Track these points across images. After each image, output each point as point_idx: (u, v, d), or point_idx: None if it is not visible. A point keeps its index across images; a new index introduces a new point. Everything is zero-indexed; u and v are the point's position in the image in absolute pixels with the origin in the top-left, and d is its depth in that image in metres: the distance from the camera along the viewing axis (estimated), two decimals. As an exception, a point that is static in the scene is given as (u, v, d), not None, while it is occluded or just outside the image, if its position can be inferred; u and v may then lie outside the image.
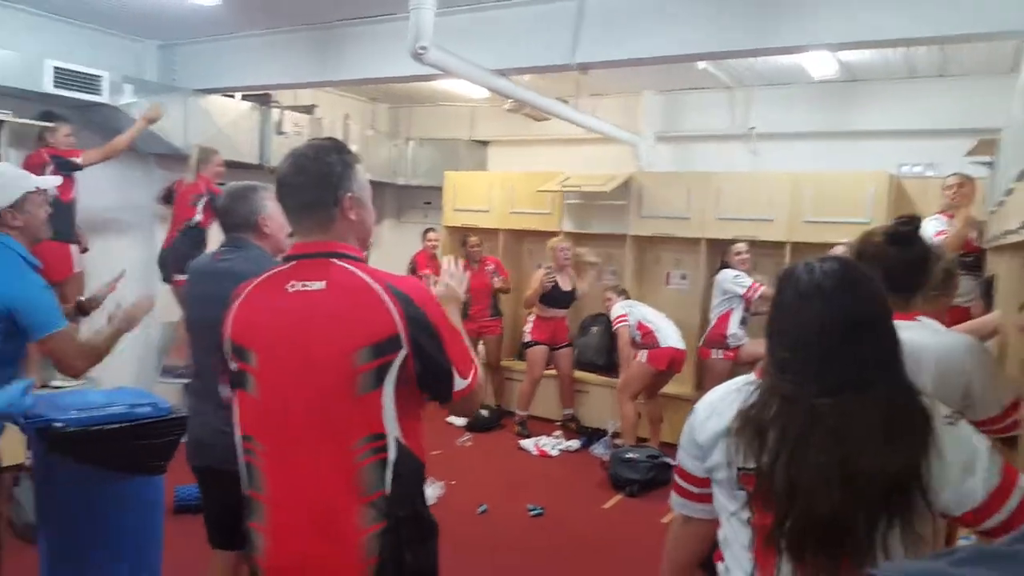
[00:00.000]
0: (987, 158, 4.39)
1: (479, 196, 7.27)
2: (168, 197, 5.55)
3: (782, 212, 5.76)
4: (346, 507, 1.56)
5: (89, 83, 4.89)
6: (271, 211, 2.47)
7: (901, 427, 1.28)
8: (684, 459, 1.54)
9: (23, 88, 4.65)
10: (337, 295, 1.58)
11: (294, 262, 1.66)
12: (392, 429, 1.57)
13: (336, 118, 7.18)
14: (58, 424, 2.51)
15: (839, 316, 1.33)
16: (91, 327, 2.86)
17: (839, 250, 4.90)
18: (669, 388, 5.85)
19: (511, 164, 7.89)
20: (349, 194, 1.65)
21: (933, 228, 4.26)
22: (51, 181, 2.80)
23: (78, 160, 4.78)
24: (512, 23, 4.41)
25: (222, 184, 5.40)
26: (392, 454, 1.57)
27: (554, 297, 6.11)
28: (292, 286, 1.61)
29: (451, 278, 1.92)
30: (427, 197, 8.18)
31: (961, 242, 4.38)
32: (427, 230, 7.17)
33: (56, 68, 4.69)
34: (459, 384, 1.64)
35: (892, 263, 1.81)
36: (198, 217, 5.29)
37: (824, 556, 1.28)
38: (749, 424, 1.35)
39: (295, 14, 4.98)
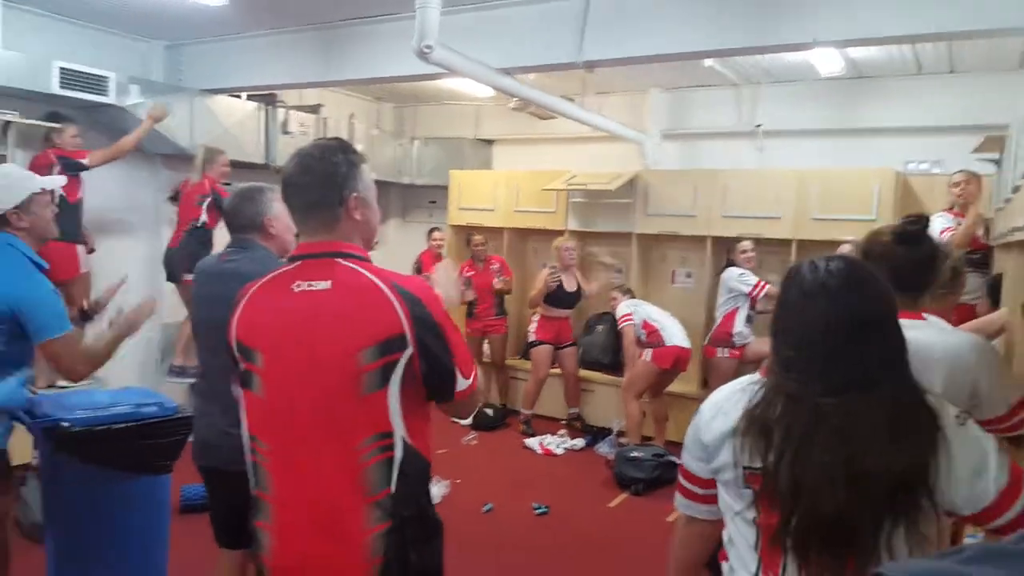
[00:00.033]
0: (994, 155, 4.37)
1: (484, 195, 7.27)
2: (176, 197, 5.57)
3: (788, 209, 5.75)
4: (351, 506, 1.56)
5: (95, 84, 4.90)
6: (277, 212, 2.47)
7: (907, 427, 1.28)
8: (689, 461, 1.54)
9: (30, 89, 4.66)
10: (342, 295, 1.58)
11: (299, 262, 1.66)
12: (398, 428, 1.57)
13: (341, 118, 7.18)
14: (65, 424, 2.52)
15: (844, 315, 1.33)
16: (95, 332, 2.86)
17: (845, 248, 4.90)
18: (674, 387, 5.84)
19: (516, 163, 7.88)
20: (354, 194, 1.65)
21: (939, 225, 4.24)
22: (56, 181, 2.80)
23: (84, 161, 4.79)
24: (517, 21, 4.40)
25: (228, 184, 5.41)
26: (398, 453, 1.57)
27: (559, 297, 6.11)
28: (298, 286, 1.61)
29: (443, 284, 1.87)
30: (432, 196, 8.18)
31: (969, 239, 4.36)
32: (432, 230, 7.16)
33: (62, 69, 4.70)
34: (461, 384, 1.64)
35: (900, 262, 1.80)
36: (203, 217, 5.30)
37: (829, 556, 1.28)
38: (755, 423, 1.35)
39: (301, 14, 4.99)
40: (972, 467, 1.29)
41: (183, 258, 5.06)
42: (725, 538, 1.49)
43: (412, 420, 1.59)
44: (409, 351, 1.55)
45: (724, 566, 1.49)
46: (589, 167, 6.74)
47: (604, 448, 5.74)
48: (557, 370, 6.36)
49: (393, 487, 1.56)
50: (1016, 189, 3.01)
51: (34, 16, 5.05)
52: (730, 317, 5.44)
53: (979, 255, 4.47)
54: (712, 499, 1.50)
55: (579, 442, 5.97)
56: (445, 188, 7.57)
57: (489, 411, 6.38)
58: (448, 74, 4.62)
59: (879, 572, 0.72)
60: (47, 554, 2.81)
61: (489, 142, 8.14)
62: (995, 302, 3.17)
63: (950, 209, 4.67)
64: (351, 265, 1.62)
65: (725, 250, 5.79)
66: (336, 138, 1.78)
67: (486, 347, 6.75)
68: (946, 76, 5.72)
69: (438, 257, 7.06)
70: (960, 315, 3.13)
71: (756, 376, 1.44)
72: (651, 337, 5.52)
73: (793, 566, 1.32)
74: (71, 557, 2.73)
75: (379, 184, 1.78)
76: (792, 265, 1.45)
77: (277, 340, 1.62)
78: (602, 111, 6.42)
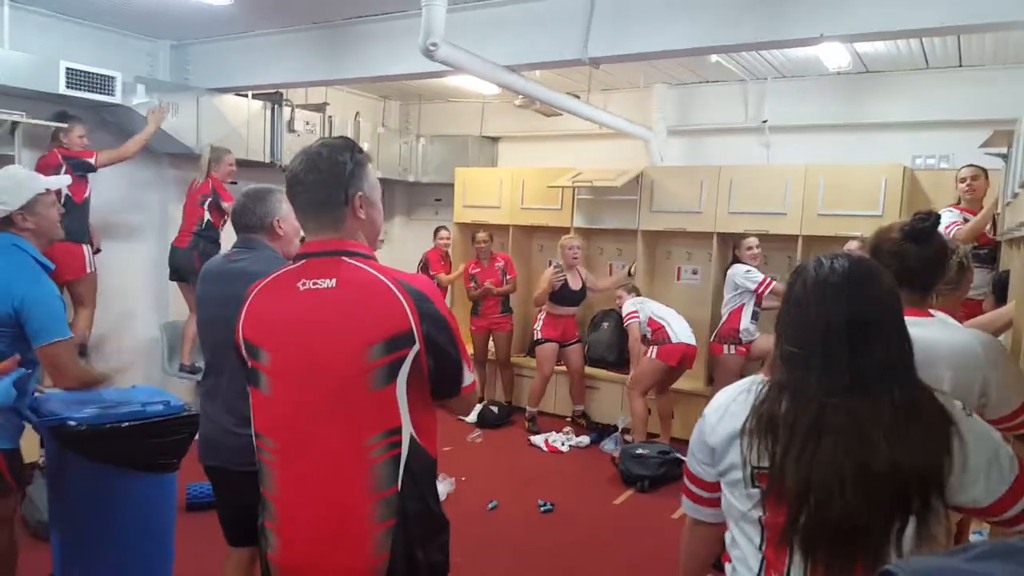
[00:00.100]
0: (1002, 149, 4.34)
1: (490, 192, 7.26)
2: None
3: (795, 205, 5.73)
4: (358, 503, 1.56)
5: (102, 84, 4.91)
6: (286, 214, 2.47)
7: (912, 426, 1.27)
8: (694, 465, 1.54)
9: (36, 89, 4.68)
10: (348, 292, 1.58)
11: (304, 260, 1.66)
12: (406, 424, 1.57)
13: (347, 116, 7.19)
14: (71, 422, 2.52)
15: (843, 316, 1.33)
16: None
17: (853, 245, 4.88)
18: (680, 384, 5.84)
19: (522, 160, 7.87)
20: (360, 193, 1.65)
21: (945, 220, 4.22)
22: (61, 181, 2.81)
23: (91, 161, 4.81)
24: (523, 19, 4.40)
25: (234, 184, 5.43)
26: (405, 450, 1.57)
27: (564, 295, 6.10)
28: (303, 284, 1.62)
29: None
30: (438, 194, 8.19)
31: (976, 234, 4.34)
32: (439, 228, 7.17)
33: (69, 69, 4.71)
34: (468, 379, 1.67)
35: (910, 260, 1.79)
36: (207, 217, 5.32)
37: (838, 555, 1.28)
38: (761, 421, 1.35)
39: (306, 13, 4.99)
40: (986, 459, 1.30)
41: (194, 258, 5.07)
42: (728, 539, 1.49)
43: (419, 417, 1.59)
44: (416, 347, 1.55)
45: (727, 567, 1.49)
46: (595, 164, 6.72)
47: (609, 445, 5.75)
48: (562, 367, 6.36)
49: (400, 484, 1.56)
50: (1024, 184, 3.00)
51: (40, 17, 5.06)
52: (736, 314, 5.43)
53: (986, 251, 4.45)
54: (718, 502, 1.51)
55: (584, 439, 5.97)
56: (451, 186, 7.56)
57: (494, 408, 6.38)
58: (453, 72, 4.62)
59: (887, 570, 0.72)
60: (53, 551, 2.81)
61: (494, 139, 8.14)
62: (1001, 298, 3.14)
63: (957, 204, 4.65)
64: (356, 263, 1.62)
65: (731, 246, 5.77)
66: (342, 137, 1.79)
67: (491, 344, 6.75)
68: (954, 70, 5.70)
69: (444, 256, 7.08)
70: (966, 311, 3.11)
71: (759, 376, 1.44)
72: (656, 334, 5.51)
73: (798, 566, 1.32)
74: (77, 555, 2.74)
75: (384, 182, 1.79)
76: (800, 263, 1.45)
77: (283, 338, 1.63)
78: (608, 107, 6.42)
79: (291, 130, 6.38)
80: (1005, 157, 4.24)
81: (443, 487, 4.58)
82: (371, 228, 1.71)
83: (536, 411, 6.35)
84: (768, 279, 5.33)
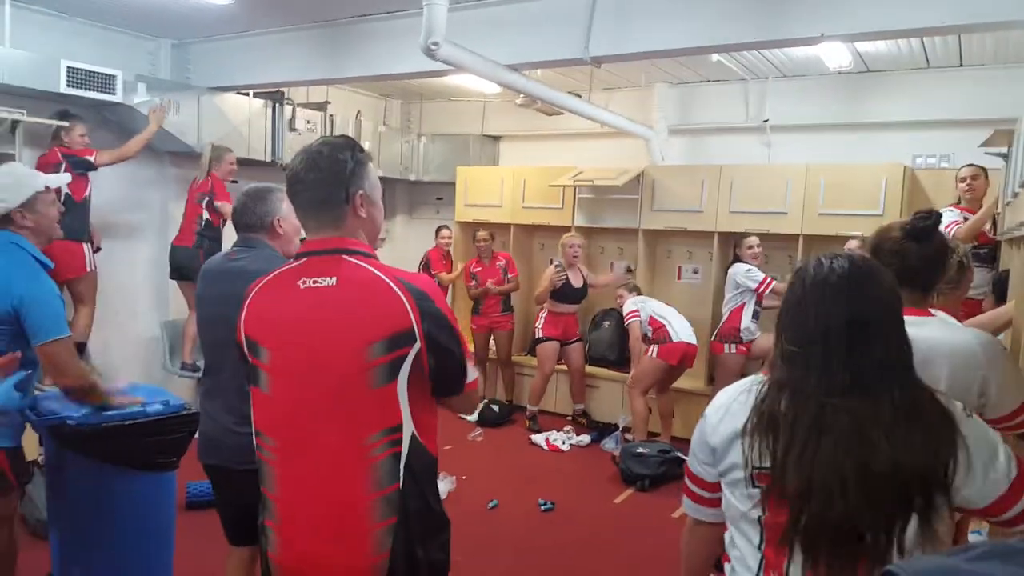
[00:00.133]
0: (1003, 149, 4.34)
1: (491, 191, 7.26)
2: None
3: (795, 205, 5.73)
4: (358, 502, 1.56)
5: (103, 82, 4.91)
6: (286, 213, 2.48)
7: (912, 427, 1.27)
8: (695, 465, 1.54)
9: (37, 88, 4.68)
10: (349, 290, 1.58)
11: (305, 259, 1.66)
12: (407, 423, 1.57)
13: (348, 115, 7.19)
14: (70, 421, 2.52)
15: (844, 315, 1.33)
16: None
17: (853, 244, 4.88)
18: (681, 383, 5.84)
19: (523, 159, 7.87)
20: (360, 191, 1.65)
21: (945, 220, 4.22)
22: (61, 179, 2.80)
23: (91, 159, 4.80)
24: (524, 18, 4.39)
25: (235, 182, 5.43)
26: (405, 448, 1.57)
27: (565, 293, 6.10)
28: (303, 282, 1.62)
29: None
30: (439, 193, 8.18)
31: (975, 232, 4.34)
32: (440, 227, 7.17)
33: (70, 68, 4.71)
34: (471, 375, 1.67)
35: (911, 259, 1.79)
36: (206, 215, 5.32)
37: (839, 555, 1.28)
38: (762, 419, 1.35)
39: (307, 11, 4.99)
40: (985, 459, 1.31)
41: (199, 257, 5.06)
42: (727, 540, 1.49)
43: (420, 415, 1.59)
44: (417, 346, 1.55)
45: (726, 567, 1.49)
46: (596, 163, 6.73)
47: (610, 444, 5.75)
48: (563, 366, 6.36)
49: (400, 482, 1.56)
50: (1024, 183, 2.99)
51: (41, 15, 5.06)
52: (737, 313, 5.43)
53: (986, 250, 4.45)
54: (719, 502, 1.51)
55: (585, 438, 5.97)
56: (452, 184, 7.56)
57: (495, 407, 6.38)
58: (455, 71, 4.62)
59: (889, 570, 0.72)
60: (52, 550, 2.82)
61: (496, 138, 8.14)
62: (1001, 298, 3.14)
63: (957, 204, 4.65)
64: (357, 261, 1.62)
65: (732, 245, 5.78)
66: (343, 136, 1.79)
67: (492, 343, 6.75)
68: (954, 70, 5.69)
69: (446, 255, 7.08)
70: (966, 310, 3.11)
71: (760, 376, 1.44)
72: (657, 333, 5.52)
73: (797, 566, 1.32)
74: (76, 553, 2.74)
75: (386, 181, 1.79)
76: (801, 263, 1.45)
77: (283, 336, 1.63)
78: (609, 106, 6.42)
79: (292, 129, 6.38)
80: (1005, 157, 4.24)
81: (444, 486, 4.59)
82: (372, 227, 1.71)
83: (537, 410, 6.35)
84: (769, 278, 5.33)
